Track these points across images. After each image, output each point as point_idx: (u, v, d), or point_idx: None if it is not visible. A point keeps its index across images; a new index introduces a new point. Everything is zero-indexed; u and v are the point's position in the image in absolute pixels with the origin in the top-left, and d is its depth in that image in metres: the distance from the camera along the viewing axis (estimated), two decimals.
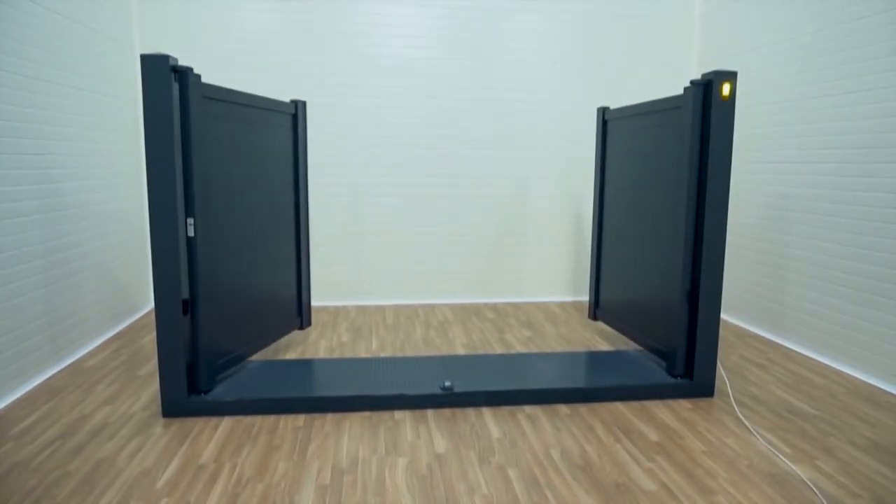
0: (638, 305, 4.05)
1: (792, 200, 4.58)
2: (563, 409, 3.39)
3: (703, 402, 3.50)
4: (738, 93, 5.20)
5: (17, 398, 3.43)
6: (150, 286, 5.54)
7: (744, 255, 5.15)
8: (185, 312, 3.16)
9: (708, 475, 2.69)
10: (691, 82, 3.39)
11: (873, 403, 3.50)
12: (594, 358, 4.00)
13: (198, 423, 3.14)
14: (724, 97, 3.31)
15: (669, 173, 3.65)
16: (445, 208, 5.79)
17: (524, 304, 5.87)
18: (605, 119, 4.55)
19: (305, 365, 3.81)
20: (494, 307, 5.73)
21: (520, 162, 5.81)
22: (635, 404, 3.46)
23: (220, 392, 3.32)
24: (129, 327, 4.89)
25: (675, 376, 3.60)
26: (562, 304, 5.86)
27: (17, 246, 3.52)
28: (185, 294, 3.18)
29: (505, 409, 3.36)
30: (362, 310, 5.58)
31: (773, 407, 3.44)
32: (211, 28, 5.32)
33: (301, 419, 3.22)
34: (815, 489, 2.57)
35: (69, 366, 3.97)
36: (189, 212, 3.13)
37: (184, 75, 3.04)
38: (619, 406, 3.43)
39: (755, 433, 3.10)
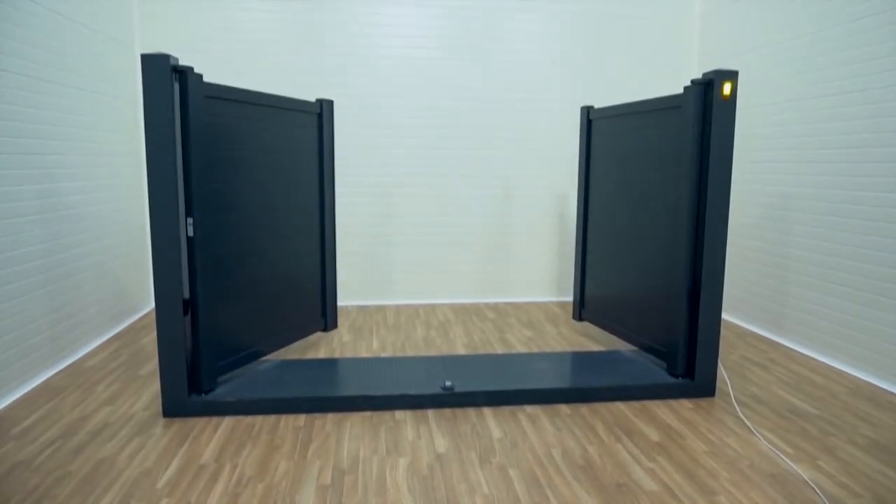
0: (633, 305, 4.04)
1: (792, 200, 4.57)
2: (564, 409, 3.39)
3: (704, 401, 3.50)
4: (738, 93, 5.20)
5: (18, 398, 3.43)
6: (150, 286, 5.54)
7: (744, 254, 5.14)
8: (185, 312, 3.16)
9: (709, 475, 2.68)
10: (692, 81, 3.39)
11: (875, 403, 3.50)
12: (595, 358, 4.00)
13: (198, 423, 3.14)
14: (725, 96, 3.31)
15: (667, 172, 3.64)
16: (445, 208, 5.79)
17: (525, 303, 5.86)
18: (590, 118, 4.54)
19: (306, 365, 3.81)
20: (495, 307, 5.73)
21: (520, 161, 5.81)
22: (636, 404, 3.45)
23: (221, 392, 3.32)
24: (130, 327, 4.89)
25: (676, 376, 3.60)
26: (563, 304, 5.86)
27: (18, 246, 3.51)
28: (186, 294, 3.18)
29: (506, 409, 3.36)
30: (363, 310, 5.57)
31: (774, 407, 3.44)
32: (211, 28, 5.32)
33: (302, 419, 3.21)
34: (816, 489, 2.57)
35: (70, 366, 3.97)
36: (189, 211, 3.13)
37: (184, 75, 3.04)
38: (620, 406, 3.43)
39: (756, 433, 3.10)
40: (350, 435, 3.04)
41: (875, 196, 3.85)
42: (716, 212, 3.40)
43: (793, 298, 4.58)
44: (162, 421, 3.16)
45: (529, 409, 3.38)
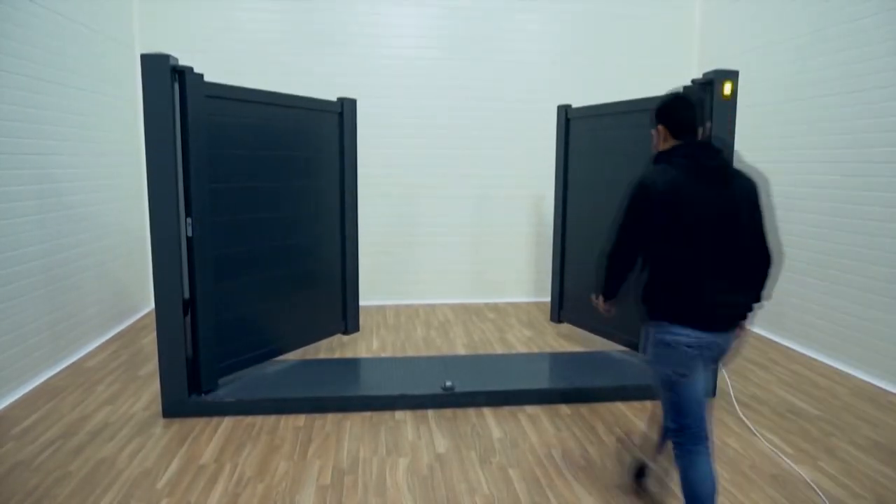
0: (630, 307, 3.99)
1: (793, 200, 4.57)
2: (564, 409, 3.38)
3: None
4: (738, 93, 5.18)
5: (18, 398, 3.43)
6: (150, 286, 5.53)
7: None
8: (185, 313, 3.15)
9: None
10: (692, 81, 3.38)
11: (875, 404, 3.49)
12: (595, 357, 3.99)
13: (198, 424, 3.13)
14: (726, 96, 3.30)
15: None
16: (446, 208, 5.78)
17: (525, 303, 5.86)
18: (568, 118, 4.51)
19: (306, 365, 3.80)
20: (495, 307, 5.73)
21: (521, 161, 5.80)
22: (636, 404, 3.45)
23: (221, 392, 3.31)
24: (130, 327, 4.89)
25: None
26: None
27: (18, 246, 3.51)
28: (186, 294, 3.17)
29: (506, 409, 3.36)
30: (363, 310, 5.57)
31: (774, 407, 3.43)
32: (211, 29, 5.31)
33: (302, 419, 3.21)
34: (817, 490, 2.56)
35: (70, 366, 3.96)
36: (188, 211, 3.12)
37: (183, 75, 3.04)
38: (621, 406, 3.42)
39: (757, 433, 3.10)
40: (350, 435, 3.04)
41: (876, 196, 3.84)
42: None
43: (793, 298, 4.57)
44: (162, 421, 3.16)
45: (530, 409, 3.37)
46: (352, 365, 3.81)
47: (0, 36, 3.38)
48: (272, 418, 3.22)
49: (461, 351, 4.38)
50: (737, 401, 3.50)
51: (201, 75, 3.11)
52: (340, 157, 4.14)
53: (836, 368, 4.09)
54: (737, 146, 5.23)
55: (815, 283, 4.35)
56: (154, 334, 4.68)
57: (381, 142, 5.62)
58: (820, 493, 2.54)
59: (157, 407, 3.33)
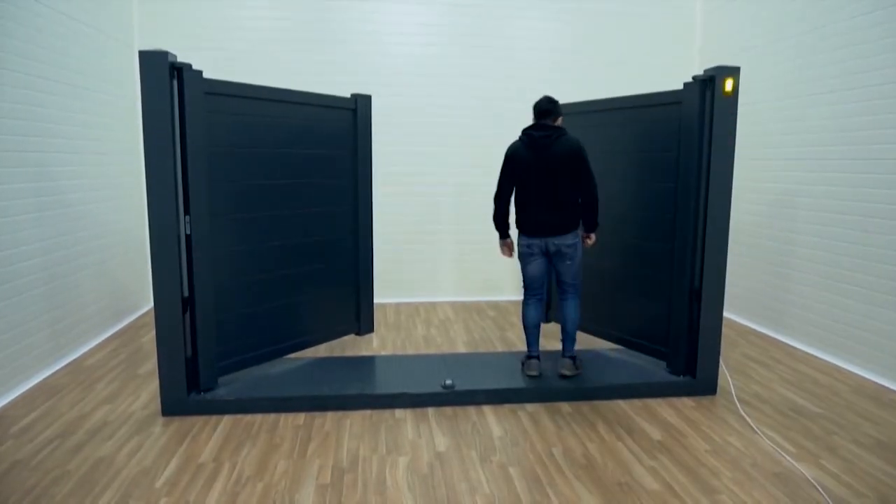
0: (624, 304, 3.98)
1: (794, 197, 4.55)
2: (564, 407, 3.37)
3: (705, 400, 3.48)
4: (739, 91, 5.17)
5: (17, 396, 3.42)
6: (149, 284, 5.52)
7: (746, 252, 5.12)
8: (184, 311, 3.14)
9: (711, 474, 2.67)
10: (693, 78, 3.36)
11: (878, 402, 3.48)
12: (596, 356, 3.98)
13: (197, 422, 3.13)
14: (727, 93, 3.29)
15: (664, 169, 3.61)
16: (446, 206, 5.77)
17: None
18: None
19: (306, 363, 3.79)
20: (496, 305, 5.71)
21: None
22: (637, 402, 3.44)
23: (220, 391, 3.30)
24: (129, 326, 4.88)
25: (678, 374, 3.58)
26: None
27: (17, 244, 3.50)
28: (185, 292, 3.16)
29: (506, 408, 3.35)
30: None
31: (776, 405, 3.42)
32: (211, 28, 5.30)
33: (301, 418, 3.20)
34: (819, 488, 2.55)
35: (69, 364, 3.95)
36: (186, 209, 3.11)
37: (182, 71, 3.02)
38: (621, 404, 3.41)
39: (759, 432, 3.08)
40: (350, 433, 3.03)
41: (877, 193, 3.82)
42: (718, 209, 3.38)
43: (795, 296, 4.56)
44: (161, 420, 3.15)
45: (530, 407, 3.36)
46: (352, 363, 3.80)
47: (1, 35, 3.37)
48: (271, 417, 3.21)
49: (462, 349, 4.37)
50: (738, 399, 3.49)
51: (200, 72, 3.09)
52: (353, 154, 4.02)
53: (838, 366, 4.08)
54: (737, 144, 5.21)
55: (817, 281, 4.33)
56: (153, 333, 4.67)
57: (381, 139, 5.60)
58: (822, 492, 2.52)
59: (157, 405, 3.32)
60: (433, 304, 5.73)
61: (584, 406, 3.38)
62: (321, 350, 4.29)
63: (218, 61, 5.34)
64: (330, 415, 3.24)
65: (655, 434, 3.05)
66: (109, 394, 3.49)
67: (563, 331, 3.60)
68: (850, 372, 3.97)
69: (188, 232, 3.12)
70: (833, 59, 4.19)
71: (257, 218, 3.50)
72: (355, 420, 3.18)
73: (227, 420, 3.16)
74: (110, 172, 4.75)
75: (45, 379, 3.69)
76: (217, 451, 2.82)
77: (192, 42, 5.30)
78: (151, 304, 5.54)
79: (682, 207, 3.48)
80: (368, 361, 3.83)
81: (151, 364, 3.99)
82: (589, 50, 5.75)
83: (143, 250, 5.42)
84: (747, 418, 3.24)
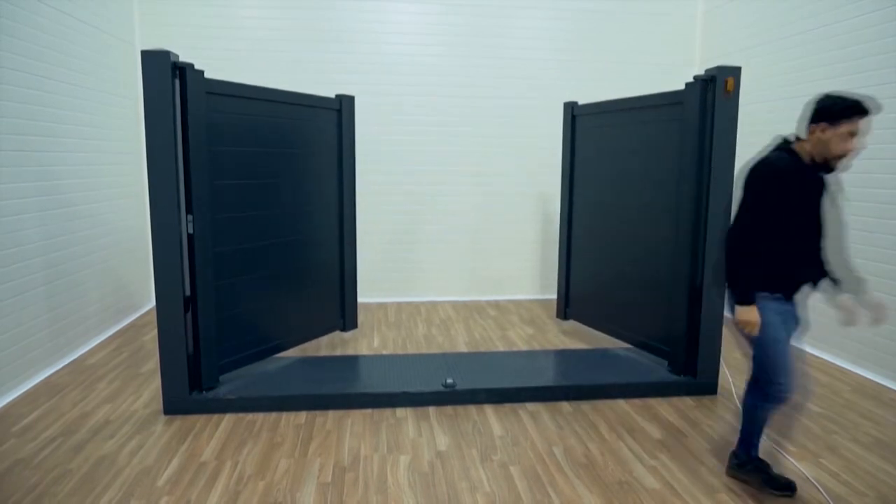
0: (630, 303, 4.00)
1: None
2: (565, 406, 3.37)
3: (706, 399, 3.49)
4: (740, 91, 5.17)
5: (19, 395, 3.43)
6: (151, 283, 5.53)
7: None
8: (186, 310, 3.15)
9: (711, 473, 2.67)
10: (694, 77, 3.37)
11: (878, 401, 3.48)
12: (596, 355, 3.98)
13: (199, 421, 3.13)
14: (728, 92, 3.29)
15: (666, 169, 3.62)
16: (447, 205, 5.77)
17: (526, 301, 5.85)
18: (574, 115, 4.50)
19: (307, 362, 3.80)
20: (497, 304, 5.72)
21: (522, 159, 5.79)
22: (638, 401, 3.44)
23: (222, 390, 3.31)
24: (131, 325, 4.89)
25: (678, 374, 3.59)
26: None
27: (19, 243, 3.51)
28: (187, 291, 3.17)
29: (507, 407, 3.35)
30: (364, 307, 5.56)
31: None
32: (212, 27, 5.30)
33: (302, 416, 3.21)
34: (819, 487, 2.56)
35: (71, 363, 3.96)
36: (188, 208, 3.11)
37: (184, 71, 3.03)
38: (622, 403, 3.42)
39: None
40: (351, 432, 3.03)
41: (877, 192, 3.83)
42: (718, 208, 3.38)
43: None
44: (162, 418, 3.16)
45: (531, 406, 3.37)
46: (353, 362, 3.80)
47: (3, 34, 3.37)
48: (273, 416, 3.21)
49: (462, 348, 4.38)
50: (738, 398, 3.50)
51: (202, 72, 3.09)
52: (339, 154, 4.14)
53: (838, 365, 4.08)
54: (738, 143, 5.21)
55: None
56: (155, 331, 4.68)
57: (381, 139, 5.60)
58: (822, 491, 2.53)
59: (158, 404, 3.33)
60: (434, 304, 5.74)
61: (585, 405, 3.39)
62: (322, 349, 4.30)
63: (218, 61, 5.34)
64: (331, 414, 3.25)
65: (656, 433, 3.05)
66: (111, 392, 3.49)
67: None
68: (850, 371, 3.97)
69: (190, 231, 3.13)
70: (833, 58, 4.19)
71: (254, 216, 3.54)
72: (356, 419, 3.19)
73: (228, 419, 3.17)
74: (112, 171, 4.75)
75: (47, 378, 3.70)
76: (218, 450, 2.83)
77: (193, 41, 5.30)
78: (153, 303, 5.54)
79: (683, 207, 3.48)
80: (369, 360, 3.83)
81: (153, 363, 4.00)
82: (589, 50, 5.75)
83: (145, 249, 5.42)
84: None
